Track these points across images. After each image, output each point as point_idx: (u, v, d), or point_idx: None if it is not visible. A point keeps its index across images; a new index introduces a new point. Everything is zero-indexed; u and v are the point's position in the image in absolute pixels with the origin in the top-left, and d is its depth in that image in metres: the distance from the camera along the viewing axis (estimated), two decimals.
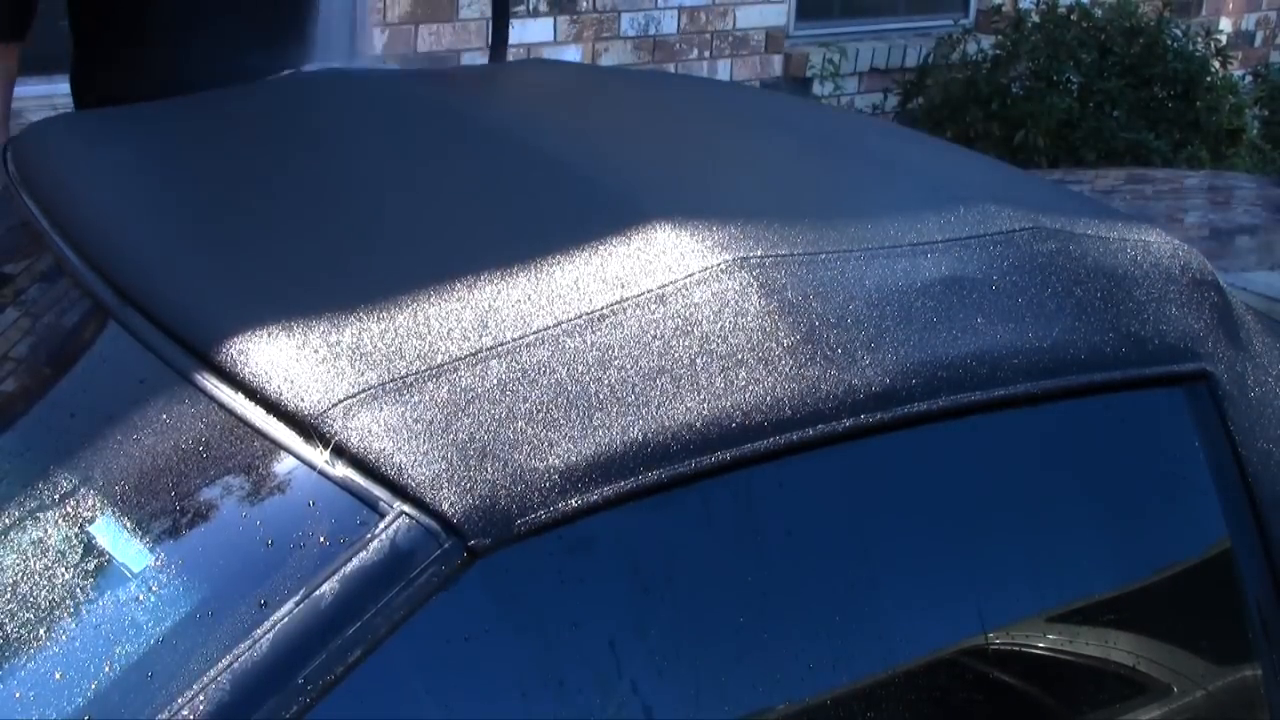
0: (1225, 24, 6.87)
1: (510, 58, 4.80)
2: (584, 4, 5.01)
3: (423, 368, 1.25)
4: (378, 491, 1.16)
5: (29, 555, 1.25)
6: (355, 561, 1.12)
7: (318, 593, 1.10)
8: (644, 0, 5.15)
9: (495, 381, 1.24)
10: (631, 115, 2.02)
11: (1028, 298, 1.49)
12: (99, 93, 2.33)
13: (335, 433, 1.19)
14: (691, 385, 1.28)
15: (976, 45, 5.81)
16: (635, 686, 1.21)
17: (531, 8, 4.89)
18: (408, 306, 1.32)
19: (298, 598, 1.10)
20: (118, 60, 2.36)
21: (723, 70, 5.44)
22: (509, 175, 1.64)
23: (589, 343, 1.29)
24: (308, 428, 1.20)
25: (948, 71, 5.72)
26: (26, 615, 1.20)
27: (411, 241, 1.51)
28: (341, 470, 1.18)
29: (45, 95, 2.23)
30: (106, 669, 1.12)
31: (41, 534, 1.27)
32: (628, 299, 1.33)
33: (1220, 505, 1.56)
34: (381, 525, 1.14)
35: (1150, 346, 1.54)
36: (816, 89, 5.60)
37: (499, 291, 1.34)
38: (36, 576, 1.23)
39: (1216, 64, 5.88)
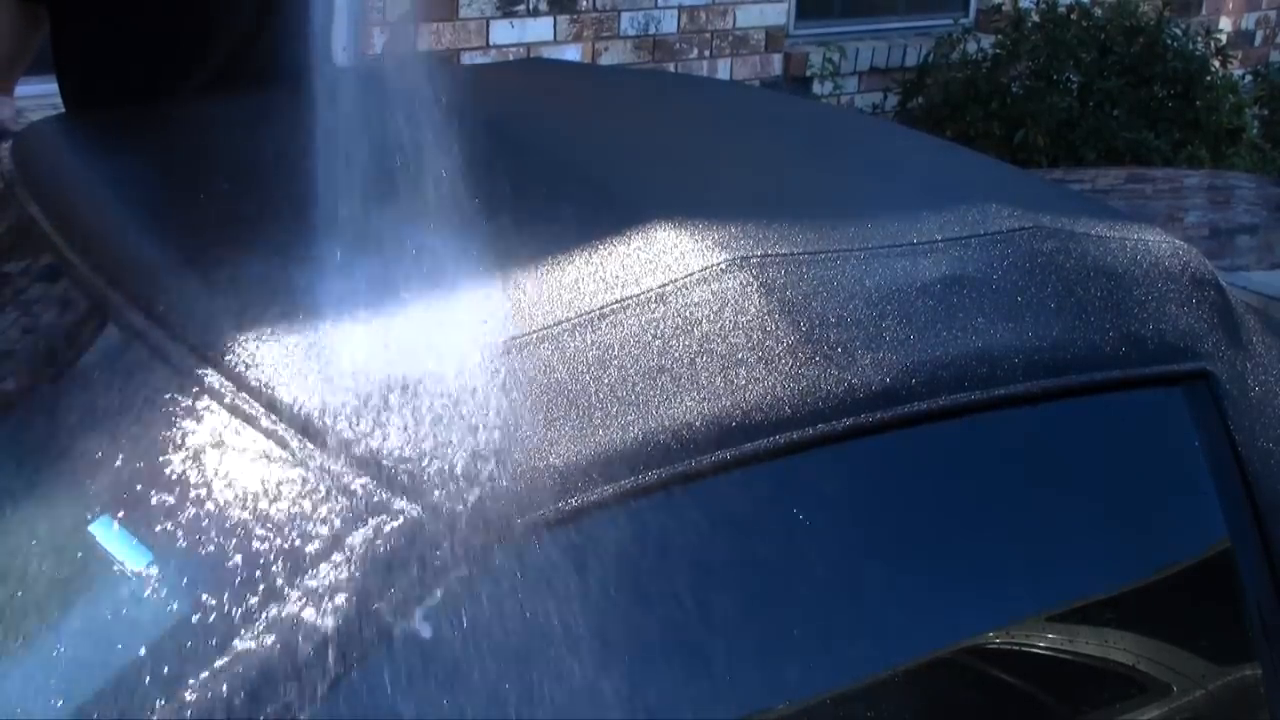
0: (1225, 23, 6.87)
1: (510, 57, 4.82)
2: (584, 3, 5.00)
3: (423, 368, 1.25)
4: (378, 491, 1.16)
5: (29, 555, 1.25)
6: (355, 561, 1.12)
7: (318, 592, 1.10)
8: (644, 0, 5.16)
9: (495, 381, 1.24)
10: (631, 115, 2.01)
11: (1028, 297, 1.48)
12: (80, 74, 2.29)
13: (335, 432, 1.19)
14: (691, 385, 1.28)
15: (976, 45, 5.81)
16: (635, 686, 1.21)
17: (531, 7, 4.89)
18: (407, 306, 1.32)
19: (297, 597, 1.10)
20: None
21: (723, 70, 5.44)
22: (508, 175, 1.64)
23: (589, 342, 1.29)
24: (308, 427, 1.20)
25: (948, 71, 5.72)
26: (26, 615, 1.20)
27: (411, 241, 1.51)
28: (342, 470, 1.18)
29: (45, 95, 2.22)
30: (106, 669, 1.12)
31: (42, 534, 1.27)
32: (628, 299, 1.33)
33: (1220, 505, 1.56)
34: (381, 525, 1.14)
35: (1150, 346, 1.54)
36: (816, 88, 5.59)
37: (498, 291, 1.34)
38: (36, 576, 1.23)
39: (1216, 63, 5.88)
